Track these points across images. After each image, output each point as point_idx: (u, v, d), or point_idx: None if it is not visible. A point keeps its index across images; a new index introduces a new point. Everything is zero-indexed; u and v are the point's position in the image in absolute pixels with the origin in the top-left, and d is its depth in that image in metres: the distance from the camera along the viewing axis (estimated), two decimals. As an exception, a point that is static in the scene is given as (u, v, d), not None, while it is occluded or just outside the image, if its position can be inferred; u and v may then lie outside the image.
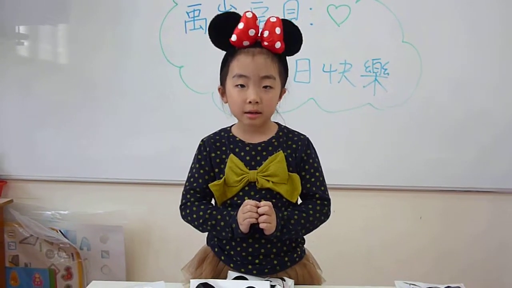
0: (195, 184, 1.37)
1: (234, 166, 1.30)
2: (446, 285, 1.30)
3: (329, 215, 1.38)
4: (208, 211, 1.32)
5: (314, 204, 1.35)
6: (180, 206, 1.39)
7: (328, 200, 1.38)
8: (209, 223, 1.31)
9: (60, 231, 2.35)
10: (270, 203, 1.25)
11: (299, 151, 1.36)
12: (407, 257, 2.39)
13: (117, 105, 2.34)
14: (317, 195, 1.36)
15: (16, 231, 2.36)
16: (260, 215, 1.23)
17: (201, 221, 1.33)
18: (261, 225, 1.23)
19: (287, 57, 1.37)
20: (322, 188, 1.38)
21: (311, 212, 1.33)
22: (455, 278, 2.20)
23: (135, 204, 2.41)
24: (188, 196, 1.38)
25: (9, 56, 2.36)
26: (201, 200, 1.37)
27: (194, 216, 1.34)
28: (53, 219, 2.38)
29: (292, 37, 1.32)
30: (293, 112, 2.17)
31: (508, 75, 2.28)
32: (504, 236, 2.42)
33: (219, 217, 1.30)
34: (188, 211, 1.36)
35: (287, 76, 1.38)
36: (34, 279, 2.39)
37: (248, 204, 1.24)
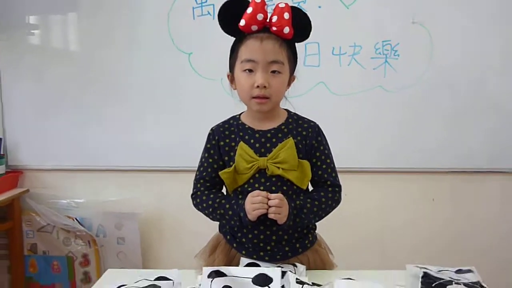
0: (204, 174, 1.38)
1: (244, 154, 1.31)
2: (457, 268, 1.30)
3: (340, 201, 1.39)
4: (217, 200, 1.34)
5: (326, 191, 1.36)
6: (192, 195, 1.41)
7: (339, 186, 1.39)
8: (218, 211, 1.33)
9: (76, 219, 2.39)
10: (281, 195, 1.26)
11: (309, 138, 1.36)
12: (420, 241, 2.40)
13: (129, 93, 2.35)
14: (328, 182, 1.37)
15: (33, 220, 2.40)
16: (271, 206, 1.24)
17: (210, 210, 1.34)
18: (270, 216, 1.25)
19: (296, 44, 1.37)
20: (333, 174, 1.39)
21: (323, 199, 1.34)
22: (467, 260, 2.21)
23: (149, 191, 2.44)
24: (199, 185, 1.39)
25: (21, 46, 2.37)
26: (211, 189, 1.39)
27: (204, 205, 1.36)
28: (69, 207, 2.41)
29: (301, 23, 1.31)
30: (303, 96, 2.17)
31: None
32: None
33: (227, 206, 1.32)
34: (198, 200, 1.38)
35: (296, 63, 1.38)
36: (52, 267, 2.44)
37: (260, 195, 1.25)
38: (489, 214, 2.41)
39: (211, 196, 1.36)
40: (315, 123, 1.40)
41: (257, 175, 1.31)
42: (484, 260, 2.32)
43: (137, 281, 1.21)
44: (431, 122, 2.31)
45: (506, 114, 2.29)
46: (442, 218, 2.40)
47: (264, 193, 1.26)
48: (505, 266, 2.40)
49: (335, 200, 1.37)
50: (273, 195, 1.25)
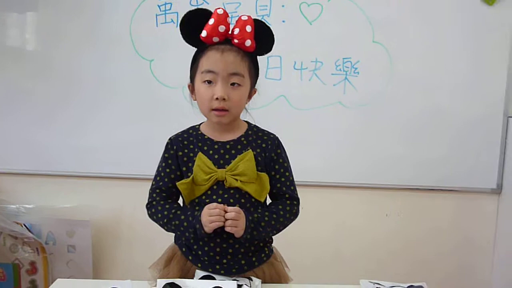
0: (161, 183, 1.37)
1: (202, 165, 1.30)
2: (409, 284, 1.33)
3: (298, 214, 1.40)
4: (173, 211, 1.32)
5: (284, 204, 1.37)
6: (146, 205, 1.39)
7: (298, 199, 1.40)
8: (173, 222, 1.31)
9: (24, 225, 2.30)
10: (238, 208, 1.26)
11: (268, 151, 1.36)
12: (375, 255, 2.43)
13: (85, 97, 2.30)
14: (286, 195, 1.38)
15: (-22, 225, 2.31)
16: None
17: (165, 220, 1.32)
18: (227, 229, 1.24)
19: (258, 57, 1.38)
20: (292, 187, 1.40)
21: (281, 212, 1.35)
22: (419, 274, 2.26)
23: (103, 198, 2.38)
24: (154, 195, 1.37)
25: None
26: (167, 199, 1.37)
27: (159, 215, 1.34)
28: (18, 213, 2.32)
29: (263, 36, 1.33)
30: (263, 108, 2.18)
31: (474, 75, 2.33)
32: (466, 234, 2.48)
33: (182, 217, 1.30)
34: (153, 210, 1.36)
35: (257, 76, 1.38)
36: (-3, 274, 2.34)
37: (217, 207, 1.24)
38: (439, 230, 2.46)
39: (167, 206, 1.34)
40: (274, 135, 1.41)
41: (215, 187, 1.31)
42: (435, 276, 2.41)
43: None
44: (387, 139, 2.35)
45: (459, 135, 2.36)
46: (395, 233, 2.44)
47: (221, 205, 1.25)
48: (455, 283, 2.47)
49: (293, 213, 1.38)
50: (230, 208, 1.25)
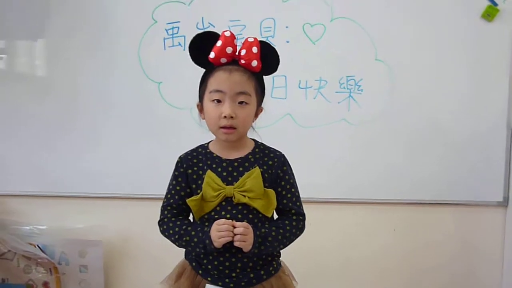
0: (172, 201, 1.42)
1: (211, 182, 1.35)
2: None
3: (304, 229, 1.43)
4: (184, 227, 1.37)
5: (290, 220, 1.41)
6: (158, 221, 1.43)
7: (303, 215, 1.44)
8: (184, 238, 1.36)
9: (38, 246, 2.34)
10: (246, 223, 1.30)
11: (275, 168, 1.41)
12: (381, 270, 2.44)
13: (96, 119, 2.35)
14: (293, 211, 1.42)
15: (-7, 246, 2.35)
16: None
17: (176, 236, 1.37)
18: (236, 243, 1.28)
19: (264, 77, 1.43)
20: (298, 203, 1.44)
21: (288, 228, 1.39)
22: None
23: (114, 218, 2.41)
24: (166, 212, 1.42)
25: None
26: (178, 215, 1.41)
27: (171, 231, 1.39)
28: (31, 234, 2.36)
29: (269, 57, 1.39)
30: (270, 127, 2.22)
31: (476, 89, 2.36)
32: (474, 248, 2.49)
33: (193, 233, 1.35)
34: (165, 226, 1.40)
35: (263, 95, 1.44)
36: (11, 295, 2.38)
37: (226, 223, 1.28)
38: (447, 245, 2.47)
39: (178, 223, 1.39)
40: (281, 153, 1.46)
41: (223, 203, 1.35)
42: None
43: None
44: (392, 155, 2.38)
45: (459, 150, 2.38)
46: (403, 248, 2.45)
47: (229, 221, 1.29)
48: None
49: (299, 228, 1.42)
50: (238, 224, 1.29)
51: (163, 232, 1.42)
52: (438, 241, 2.47)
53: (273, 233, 1.36)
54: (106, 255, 2.39)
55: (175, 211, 1.42)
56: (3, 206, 2.41)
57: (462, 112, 2.37)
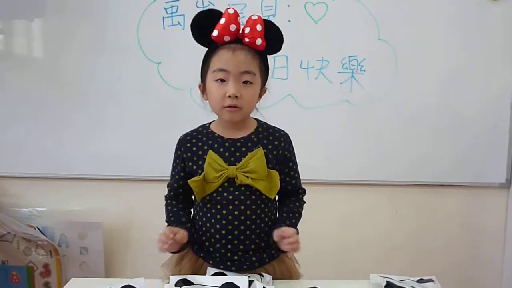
0: (173, 181, 1.43)
1: (213, 162, 1.32)
2: (418, 278, 1.34)
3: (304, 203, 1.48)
4: (170, 215, 1.42)
5: (301, 201, 1.46)
6: (165, 196, 1.47)
7: (304, 190, 1.48)
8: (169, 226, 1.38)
9: (38, 228, 2.33)
10: (292, 230, 1.31)
11: (282, 149, 1.39)
12: (384, 252, 2.43)
13: (95, 100, 2.32)
14: (300, 190, 1.46)
15: (-8, 228, 2.34)
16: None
17: (166, 220, 1.43)
18: (286, 248, 1.31)
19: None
20: (299, 181, 1.47)
21: (301, 209, 1.45)
22: (430, 271, 2.25)
23: (114, 200, 2.41)
24: (169, 189, 1.45)
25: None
26: (180, 196, 1.43)
27: (166, 213, 1.44)
28: (31, 216, 2.35)
29: (273, 36, 1.34)
30: (271, 108, 2.16)
31: (480, 70, 2.33)
32: (476, 228, 2.48)
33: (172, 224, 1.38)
34: (165, 206, 1.45)
35: (267, 75, 1.40)
36: (11, 277, 2.37)
37: (165, 233, 1.27)
38: (449, 227, 2.47)
39: (169, 208, 1.44)
40: (285, 132, 1.43)
41: (226, 184, 1.33)
42: (446, 272, 2.41)
43: (103, 291, 1.20)
44: (395, 137, 2.36)
45: (466, 130, 2.37)
46: (404, 230, 2.45)
47: (168, 231, 1.28)
48: (466, 279, 2.47)
49: (304, 203, 1.47)
50: (287, 233, 1.29)
51: (165, 208, 1.45)
52: (440, 223, 2.47)
53: (294, 220, 1.40)
54: (106, 237, 2.39)
55: (180, 190, 1.42)
56: (1, 188, 2.40)
57: (466, 93, 2.35)
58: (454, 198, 2.46)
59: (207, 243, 1.37)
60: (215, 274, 1.32)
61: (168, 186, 1.45)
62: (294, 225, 1.38)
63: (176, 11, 2.24)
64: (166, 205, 1.45)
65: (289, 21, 2.25)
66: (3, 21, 2.33)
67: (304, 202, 1.47)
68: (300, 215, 1.43)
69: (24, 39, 2.36)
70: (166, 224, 1.42)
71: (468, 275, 2.48)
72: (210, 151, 1.33)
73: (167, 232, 1.27)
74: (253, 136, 1.37)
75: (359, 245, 2.44)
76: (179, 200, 1.44)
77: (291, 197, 1.44)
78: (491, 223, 2.47)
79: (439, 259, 2.44)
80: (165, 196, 1.46)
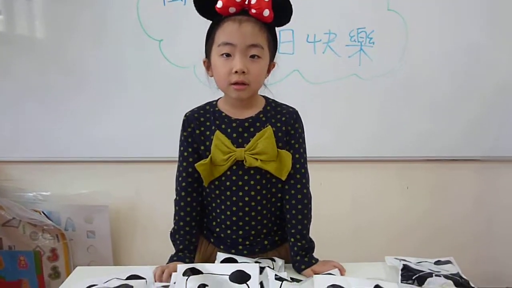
0: (185, 164, 1.32)
1: (220, 144, 1.25)
2: (436, 259, 1.29)
3: (311, 194, 1.35)
4: (180, 245, 1.33)
5: (302, 205, 1.32)
6: (175, 198, 1.35)
7: (307, 180, 1.35)
8: (174, 235, 1.34)
9: (43, 212, 2.30)
10: (340, 266, 1.28)
11: (285, 124, 1.31)
12: (397, 231, 2.40)
13: (96, 81, 2.25)
14: (298, 175, 1.32)
15: (-3, 214, 2.31)
16: None
17: (174, 227, 1.35)
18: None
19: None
20: (303, 170, 1.33)
21: (309, 216, 1.34)
22: (445, 250, 2.22)
23: (120, 182, 2.36)
24: (179, 188, 1.33)
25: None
26: (195, 192, 1.34)
27: (174, 233, 1.35)
28: (35, 200, 2.32)
29: (281, 6, 1.24)
30: (277, 84, 2.08)
31: (494, 41, 2.25)
32: (491, 204, 2.44)
33: (178, 242, 1.33)
34: (176, 208, 1.35)
35: (276, 48, 1.31)
36: (19, 262, 2.34)
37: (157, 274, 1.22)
38: (463, 203, 2.43)
39: (182, 232, 1.34)
40: (294, 109, 1.35)
41: (234, 167, 1.27)
42: (463, 249, 2.38)
43: (108, 281, 1.16)
44: (406, 111, 2.30)
45: (475, 105, 2.31)
46: (417, 207, 2.41)
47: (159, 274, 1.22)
48: (483, 256, 2.43)
49: (309, 199, 1.34)
50: (334, 270, 1.26)
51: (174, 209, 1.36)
52: (454, 199, 2.43)
53: (305, 232, 1.32)
54: (113, 220, 2.36)
55: (189, 182, 1.32)
56: (5, 173, 2.36)
57: (479, 65, 2.28)
58: (467, 172, 2.41)
59: (218, 229, 1.32)
60: (225, 259, 1.27)
61: (180, 181, 1.33)
62: (309, 243, 1.33)
63: (177, -14, 2.16)
64: (174, 216, 1.34)
65: (294, -7, 2.16)
66: (2, 1, 2.24)
67: (309, 196, 1.34)
68: (309, 219, 1.34)
69: (24, 22, 2.27)
70: (174, 248, 1.34)
71: (484, 251, 2.45)
72: (218, 132, 1.27)
73: (159, 273, 1.22)
74: (261, 115, 1.30)
75: (371, 225, 2.41)
76: (190, 204, 1.33)
77: (297, 204, 1.31)
78: (506, 198, 2.42)
79: (453, 236, 2.41)
80: (177, 197, 1.34)
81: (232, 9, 1.21)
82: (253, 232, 1.30)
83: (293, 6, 1.28)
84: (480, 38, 2.25)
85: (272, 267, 1.22)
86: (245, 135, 1.28)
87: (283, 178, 1.30)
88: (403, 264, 1.22)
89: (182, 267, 1.13)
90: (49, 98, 2.27)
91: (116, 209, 2.36)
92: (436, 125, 2.31)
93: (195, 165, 1.28)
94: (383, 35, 2.22)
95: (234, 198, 1.28)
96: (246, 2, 1.22)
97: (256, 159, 1.25)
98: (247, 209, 1.28)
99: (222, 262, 1.26)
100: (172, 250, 1.36)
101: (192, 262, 1.28)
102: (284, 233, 1.35)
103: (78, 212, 2.33)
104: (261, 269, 1.15)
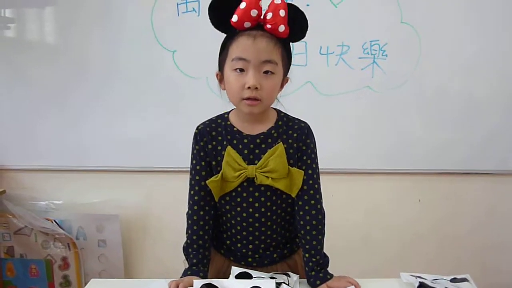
0: (197, 177, 1.31)
1: (231, 161, 1.25)
2: (452, 276, 1.27)
3: (324, 212, 1.33)
4: (194, 259, 1.30)
5: (318, 221, 1.30)
6: (187, 212, 1.34)
7: (321, 197, 1.32)
8: (188, 249, 1.32)
9: (55, 221, 2.31)
10: (355, 282, 1.25)
11: (298, 141, 1.29)
12: (409, 242, 2.38)
13: (110, 91, 2.27)
14: (311, 191, 1.30)
15: (10, 222, 2.31)
16: None
17: (187, 243, 1.33)
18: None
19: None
20: (318, 181, 1.31)
21: (323, 232, 1.32)
22: (458, 262, 2.20)
23: (131, 192, 2.37)
24: (191, 202, 1.32)
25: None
26: (207, 206, 1.32)
27: (186, 247, 1.33)
28: (48, 209, 2.34)
29: (297, 21, 1.23)
30: (290, 96, 2.09)
31: (507, 56, 2.24)
32: (503, 217, 2.42)
33: (191, 256, 1.30)
34: (189, 221, 1.33)
35: (290, 63, 1.30)
36: (30, 270, 2.36)
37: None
38: (475, 215, 2.41)
39: (189, 231, 1.33)
40: (305, 123, 1.33)
41: (245, 184, 1.26)
42: (474, 262, 2.35)
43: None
44: (419, 123, 2.29)
45: (487, 118, 2.30)
46: (430, 219, 2.39)
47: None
48: (494, 271, 2.41)
49: (323, 214, 1.32)
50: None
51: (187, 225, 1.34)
52: (465, 211, 2.41)
53: (319, 247, 1.30)
54: (124, 230, 2.36)
55: (202, 195, 1.30)
56: (18, 181, 2.37)
57: (490, 78, 2.26)
58: (478, 186, 2.39)
59: (228, 242, 1.32)
60: (240, 274, 1.26)
61: (192, 196, 1.31)
62: (323, 257, 1.31)
63: (191, -3, 2.18)
64: (187, 230, 1.33)
65: (307, 5, 2.16)
66: (15, 9, 2.27)
67: (323, 213, 1.31)
68: (323, 236, 1.31)
69: (38, 29, 2.30)
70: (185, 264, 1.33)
71: (495, 263, 2.41)
72: (229, 148, 1.26)
73: (174, 287, 1.20)
74: (273, 131, 1.29)
75: (383, 236, 2.38)
76: (203, 218, 1.31)
77: (312, 220, 1.29)
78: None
79: (465, 247, 2.38)
80: (187, 214, 1.33)
81: (247, 24, 1.20)
82: (263, 246, 1.31)
83: (307, 17, 1.27)
84: (493, 51, 2.24)
85: (287, 283, 1.21)
86: (257, 151, 1.27)
87: (294, 195, 1.29)
88: (420, 282, 1.21)
89: (198, 282, 1.12)
90: (62, 106, 2.29)
91: (127, 219, 2.36)
92: (449, 138, 2.30)
93: (207, 182, 1.28)
94: (396, 47, 2.21)
95: (244, 214, 1.28)
96: (262, 17, 1.21)
97: (267, 177, 1.24)
98: (257, 224, 1.28)
99: (236, 276, 1.25)
100: (183, 260, 1.35)
101: (206, 276, 1.27)
102: (292, 245, 1.36)
103: (89, 221, 2.34)
104: (278, 285, 1.14)
